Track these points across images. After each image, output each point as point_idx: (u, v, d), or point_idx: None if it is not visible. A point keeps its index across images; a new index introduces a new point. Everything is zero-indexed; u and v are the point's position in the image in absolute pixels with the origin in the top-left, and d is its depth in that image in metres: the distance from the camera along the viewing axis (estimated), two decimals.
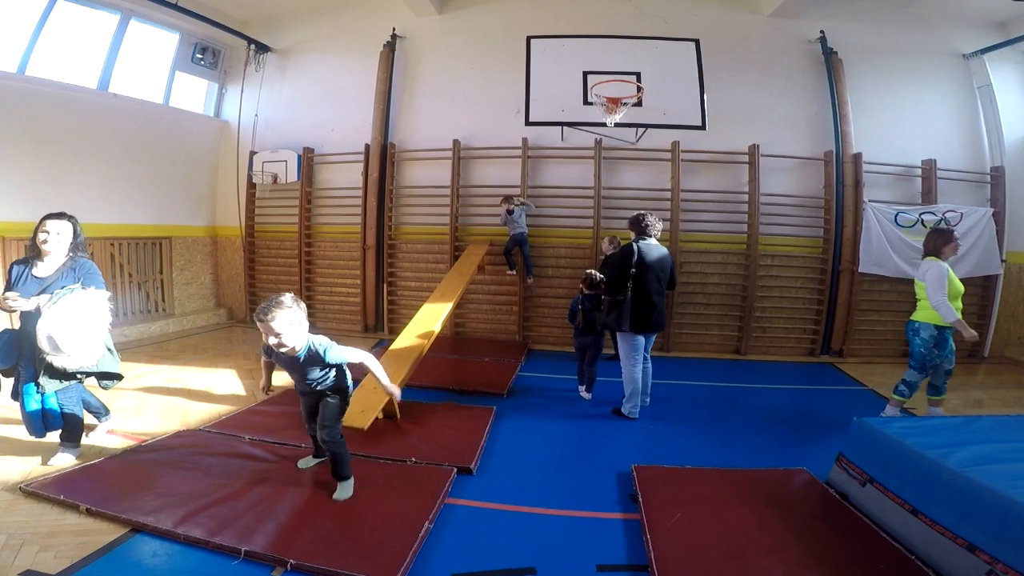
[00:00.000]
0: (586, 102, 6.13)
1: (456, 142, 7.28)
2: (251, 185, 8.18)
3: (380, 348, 6.52)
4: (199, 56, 7.79)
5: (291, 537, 2.55)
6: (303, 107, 8.06)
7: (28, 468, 3.15)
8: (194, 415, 4.21)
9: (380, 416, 3.94)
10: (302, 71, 8.12)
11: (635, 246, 4.31)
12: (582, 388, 5.09)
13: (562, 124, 6.51)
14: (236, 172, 8.23)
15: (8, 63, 5.73)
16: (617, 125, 6.02)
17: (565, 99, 6.19)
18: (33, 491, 2.84)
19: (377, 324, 7.80)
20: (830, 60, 6.92)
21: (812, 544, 2.65)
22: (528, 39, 6.43)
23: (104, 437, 3.65)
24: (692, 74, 6.16)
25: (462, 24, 7.58)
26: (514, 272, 6.97)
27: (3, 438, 3.59)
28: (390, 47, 7.53)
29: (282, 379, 2.87)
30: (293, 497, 2.94)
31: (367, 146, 7.53)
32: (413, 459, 3.44)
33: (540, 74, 6.30)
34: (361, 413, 3.77)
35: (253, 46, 8.02)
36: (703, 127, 6.15)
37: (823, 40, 6.96)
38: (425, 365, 4.81)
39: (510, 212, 6.58)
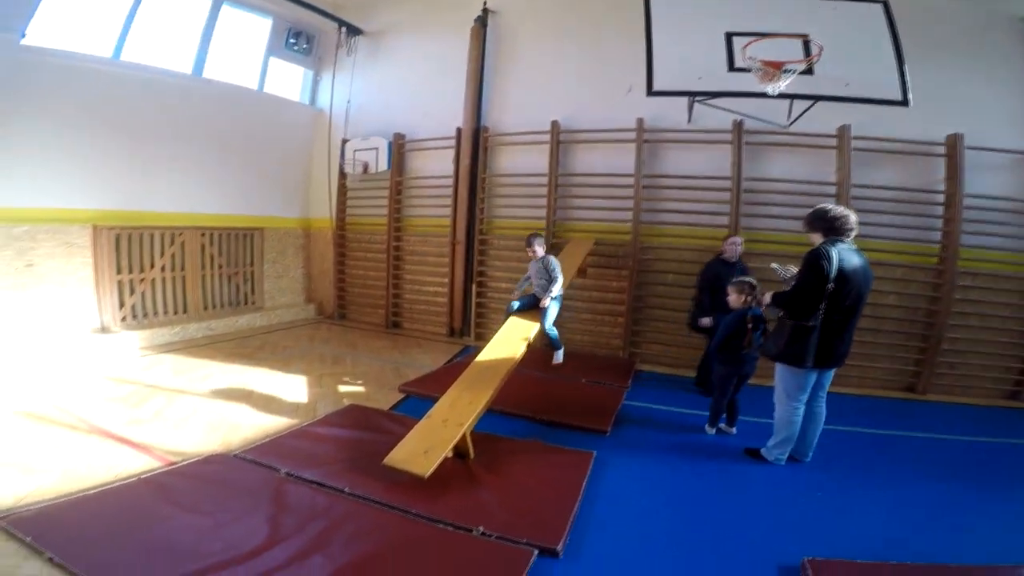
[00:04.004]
0: (731, 68, 4.77)
1: (555, 124, 6.32)
2: (342, 175, 7.81)
3: (465, 356, 5.76)
4: (292, 41, 7.48)
5: None
6: (394, 91, 7.53)
7: (24, 491, 2.63)
8: (240, 432, 3.61)
9: (450, 455, 3.07)
10: (393, 53, 7.59)
11: (832, 252, 3.06)
12: (717, 427, 4.06)
13: (697, 94, 5.06)
14: (328, 161, 7.89)
15: (103, 48, 5.58)
16: (782, 96, 4.58)
17: (700, 65, 4.83)
18: (2, 528, 2.29)
19: (463, 328, 7.06)
20: None
21: None
22: None
23: (132, 456, 3.11)
24: (882, 38, 4.57)
25: None
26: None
27: (18, 448, 3.18)
28: (481, 22, 6.76)
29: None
30: (318, 566, 2.20)
31: (459, 130, 6.81)
32: (481, 528, 2.52)
33: (664, 34, 4.94)
34: (424, 455, 2.93)
35: (344, 29, 7.59)
36: (905, 102, 4.53)
37: None
38: (510, 384, 3.90)
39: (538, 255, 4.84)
